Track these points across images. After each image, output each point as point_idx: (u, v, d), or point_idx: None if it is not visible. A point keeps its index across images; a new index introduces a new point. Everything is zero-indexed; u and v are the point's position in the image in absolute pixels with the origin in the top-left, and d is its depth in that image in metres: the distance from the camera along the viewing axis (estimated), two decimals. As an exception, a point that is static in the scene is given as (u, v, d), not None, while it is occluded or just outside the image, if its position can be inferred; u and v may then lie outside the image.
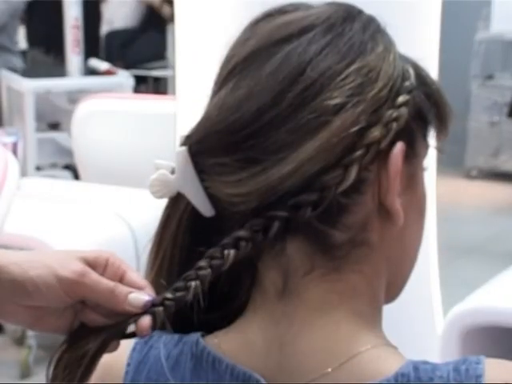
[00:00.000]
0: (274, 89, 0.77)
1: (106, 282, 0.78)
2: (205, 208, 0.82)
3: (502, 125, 6.61)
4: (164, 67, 6.13)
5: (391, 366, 0.77)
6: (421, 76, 0.83)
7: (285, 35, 0.79)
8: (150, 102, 4.11)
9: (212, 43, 1.48)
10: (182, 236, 0.83)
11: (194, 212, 0.82)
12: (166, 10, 6.38)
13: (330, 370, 0.77)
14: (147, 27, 6.63)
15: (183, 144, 0.81)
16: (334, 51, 0.78)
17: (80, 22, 4.61)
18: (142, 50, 6.46)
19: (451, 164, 6.11)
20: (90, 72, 4.72)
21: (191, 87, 1.60)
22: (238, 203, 0.78)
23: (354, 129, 0.76)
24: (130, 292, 0.78)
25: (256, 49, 0.80)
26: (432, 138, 0.86)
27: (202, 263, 0.78)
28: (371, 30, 0.81)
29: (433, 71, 1.74)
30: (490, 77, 6.78)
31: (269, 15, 0.83)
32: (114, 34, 6.61)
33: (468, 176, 6.70)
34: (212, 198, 0.81)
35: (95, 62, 4.87)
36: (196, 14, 1.78)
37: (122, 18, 6.69)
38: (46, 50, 5.15)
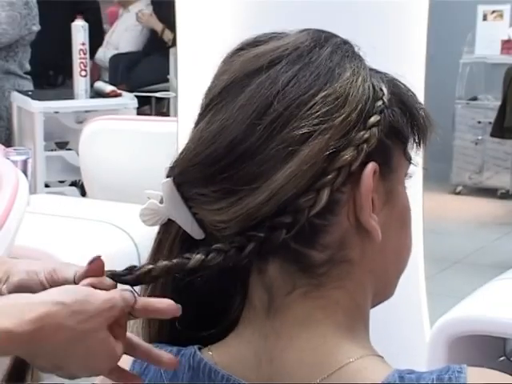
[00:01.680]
0: (245, 122, 0.77)
1: None
2: (195, 232, 0.82)
3: (485, 143, 6.62)
4: (166, 89, 6.14)
5: (378, 375, 0.76)
6: (396, 92, 0.83)
7: (255, 68, 0.79)
8: (153, 123, 4.11)
9: (212, 67, 1.48)
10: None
11: (185, 235, 0.83)
12: (167, 35, 6.40)
13: (318, 381, 0.77)
14: (150, 51, 6.64)
15: (168, 175, 0.81)
16: (301, 81, 0.78)
17: (87, 47, 4.62)
18: (145, 73, 6.47)
19: (438, 180, 6.12)
20: (96, 94, 4.73)
21: (192, 108, 1.60)
22: (222, 229, 0.79)
23: (323, 155, 0.76)
24: None
25: (230, 82, 0.80)
26: (418, 152, 0.86)
27: (172, 260, 0.79)
28: (339, 55, 0.80)
29: (419, 87, 1.75)
30: (474, 98, 6.80)
31: (241, 49, 0.83)
32: (118, 58, 6.62)
33: (454, 192, 6.71)
34: (200, 223, 0.81)
35: (101, 85, 4.88)
36: (197, 40, 1.79)
37: (127, 42, 6.71)
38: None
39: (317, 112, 0.77)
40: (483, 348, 1.81)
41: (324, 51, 0.80)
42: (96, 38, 6.03)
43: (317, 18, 1.54)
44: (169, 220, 0.83)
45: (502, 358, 1.91)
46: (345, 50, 0.82)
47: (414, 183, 2.06)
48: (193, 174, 0.80)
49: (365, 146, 0.77)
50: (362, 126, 0.78)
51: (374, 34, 1.67)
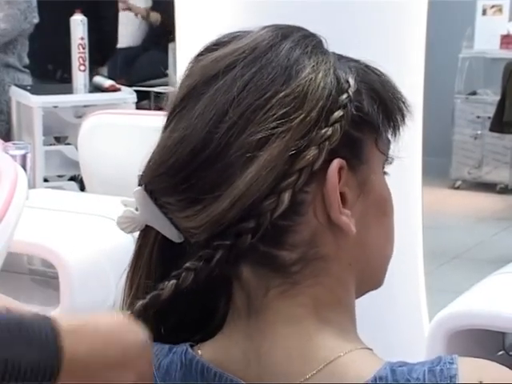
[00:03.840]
0: (203, 130, 0.76)
1: None
2: (174, 235, 0.83)
3: (484, 138, 6.62)
4: (165, 84, 6.13)
5: (368, 369, 0.76)
6: (367, 81, 0.81)
7: (213, 74, 0.78)
8: (152, 117, 4.11)
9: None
10: (155, 264, 0.84)
11: (164, 239, 0.83)
12: (153, 16, 6.42)
13: (307, 376, 0.76)
14: (149, 46, 6.64)
15: (139, 183, 0.82)
16: (257, 85, 0.77)
17: (86, 41, 4.62)
18: (144, 68, 6.47)
19: (437, 175, 6.12)
20: (95, 88, 4.73)
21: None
22: (193, 235, 0.79)
23: (284, 157, 0.75)
24: None
25: (190, 89, 0.79)
26: (394, 139, 0.84)
27: (148, 294, 0.79)
28: (298, 52, 0.79)
29: (419, 82, 1.75)
30: (473, 93, 6.80)
31: (201, 54, 0.82)
32: (117, 53, 6.62)
33: (453, 186, 6.71)
34: (177, 227, 0.82)
35: (100, 79, 4.88)
36: (196, 34, 1.79)
37: (126, 37, 6.71)
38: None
39: (274, 115, 0.75)
40: (482, 342, 1.81)
41: (282, 50, 0.78)
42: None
43: (316, 17, 1.54)
44: (147, 225, 0.83)
45: (500, 353, 1.91)
46: (304, 46, 0.80)
47: (413, 178, 2.07)
48: (159, 184, 0.80)
49: (326, 143, 0.76)
50: (323, 123, 0.76)
51: (373, 30, 1.67)
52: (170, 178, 0.78)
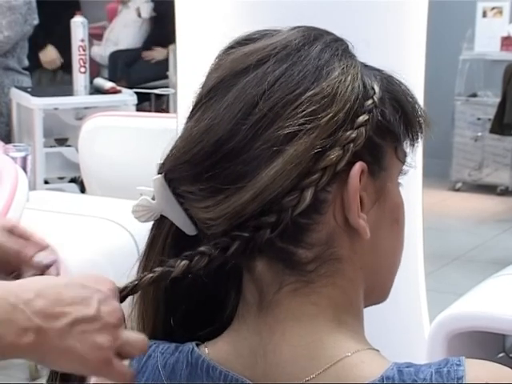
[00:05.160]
0: (231, 122, 0.77)
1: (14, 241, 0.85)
2: (187, 228, 0.83)
3: (485, 140, 6.62)
4: (165, 86, 6.14)
5: (376, 369, 0.76)
6: (391, 90, 0.82)
7: (243, 67, 0.79)
8: (153, 119, 4.11)
9: (211, 64, 1.48)
10: (167, 256, 0.83)
11: (178, 231, 0.83)
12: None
13: (313, 375, 0.77)
14: (150, 47, 6.64)
15: (159, 171, 0.82)
16: (288, 80, 0.77)
17: (86, 43, 4.63)
18: (144, 70, 6.47)
19: (437, 177, 6.12)
20: (96, 90, 4.73)
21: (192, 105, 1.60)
22: (210, 226, 0.79)
23: (309, 154, 0.76)
24: (36, 252, 0.86)
25: (219, 81, 0.80)
26: (414, 150, 0.85)
27: (157, 268, 0.79)
28: (329, 53, 0.80)
29: (419, 84, 1.75)
30: (473, 95, 6.80)
31: (231, 47, 0.83)
32: (118, 54, 6.62)
33: (453, 188, 6.71)
34: (192, 219, 0.82)
35: (100, 81, 4.88)
36: (196, 36, 1.79)
37: (126, 38, 6.71)
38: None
39: (303, 111, 0.76)
40: (482, 344, 1.81)
41: (313, 50, 0.80)
42: None
43: (316, 18, 1.54)
44: (161, 216, 0.83)
45: (501, 355, 1.91)
46: (335, 48, 0.81)
47: (413, 180, 2.07)
48: (181, 172, 0.80)
49: (351, 145, 0.77)
50: (349, 125, 0.77)
51: (373, 31, 1.67)
52: (193, 166, 0.78)
